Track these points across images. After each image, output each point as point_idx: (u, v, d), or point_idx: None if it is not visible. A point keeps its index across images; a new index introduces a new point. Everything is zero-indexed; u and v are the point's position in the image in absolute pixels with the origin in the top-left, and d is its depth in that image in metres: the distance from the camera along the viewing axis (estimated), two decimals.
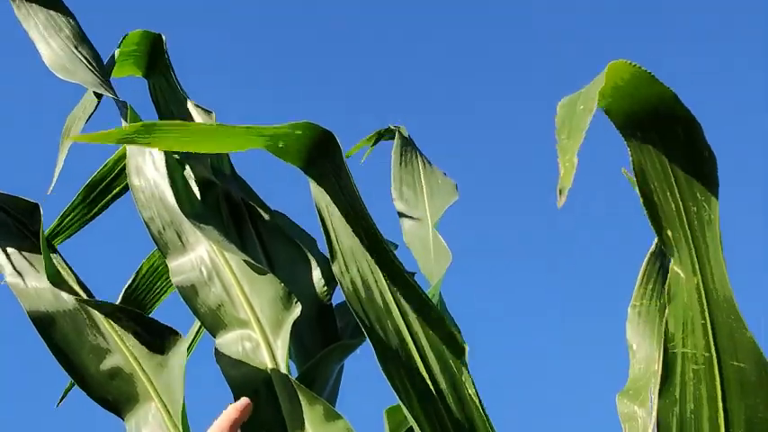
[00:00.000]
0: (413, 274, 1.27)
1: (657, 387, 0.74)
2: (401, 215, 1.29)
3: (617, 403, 1.07)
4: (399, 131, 1.39)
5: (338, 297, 1.22)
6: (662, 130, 0.73)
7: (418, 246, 1.24)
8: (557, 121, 0.71)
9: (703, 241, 0.74)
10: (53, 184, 1.17)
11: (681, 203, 0.74)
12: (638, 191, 0.73)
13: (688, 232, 0.74)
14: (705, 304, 0.74)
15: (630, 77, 0.70)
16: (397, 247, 1.34)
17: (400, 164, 1.35)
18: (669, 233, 0.73)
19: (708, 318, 0.73)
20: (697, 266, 0.74)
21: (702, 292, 0.74)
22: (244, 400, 0.94)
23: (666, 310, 0.74)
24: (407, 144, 1.38)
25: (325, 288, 1.19)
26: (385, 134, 1.44)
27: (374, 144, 1.44)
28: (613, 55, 0.72)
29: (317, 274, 1.19)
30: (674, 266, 0.74)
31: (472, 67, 3.88)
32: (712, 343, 0.74)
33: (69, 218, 1.22)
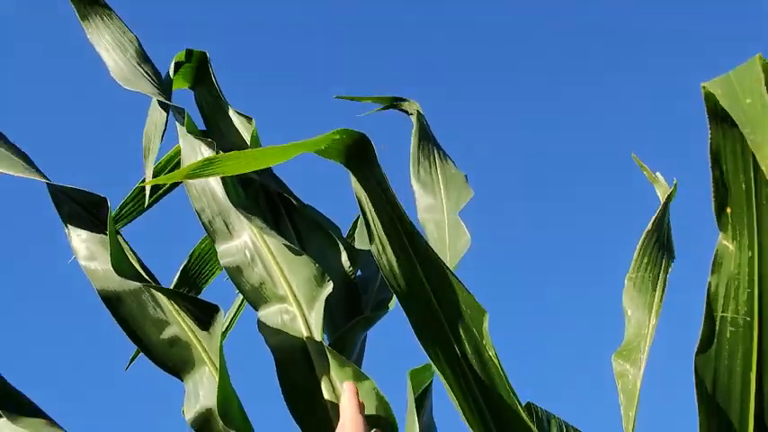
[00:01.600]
0: None
1: (698, 343, 0.71)
2: (417, 196, 1.24)
3: (612, 362, 1.04)
4: (419, 114, 1.32)
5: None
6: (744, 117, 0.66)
7: (432, 227, 1.20)
8: (736, 118, 0.64)
9: (763, 219, 0.70)
10: (148, 189, 1.17)
11: (753, 185, 0.69)
12: (710, 169, 0.68)
13: (754, 211, 0.70)
14: (756, 276, 0.70)
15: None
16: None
17: (419, 147, 1.29)
18: (729, 210, 0.70)
19: (756, 287, 0.70)
20: (755, 242, 0.70)
21: (756, 265, 0.70)
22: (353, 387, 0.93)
23: (710, 277, 0.71)
24: (425, 130, 1.32)
25: (351, 269, 1.18)
26: (399, 103, 1.33)
27: (386, 108, 1.33)
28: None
29: (343, 256, 1.16)
30: (722, 240, 0.70)
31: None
32: (756, 310, 0.70)
33: (128, 207, 1.21)
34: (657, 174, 1.01)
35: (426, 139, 1.30)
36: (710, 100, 0.66)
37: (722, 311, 0.70)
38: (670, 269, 0.98)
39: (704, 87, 0.66)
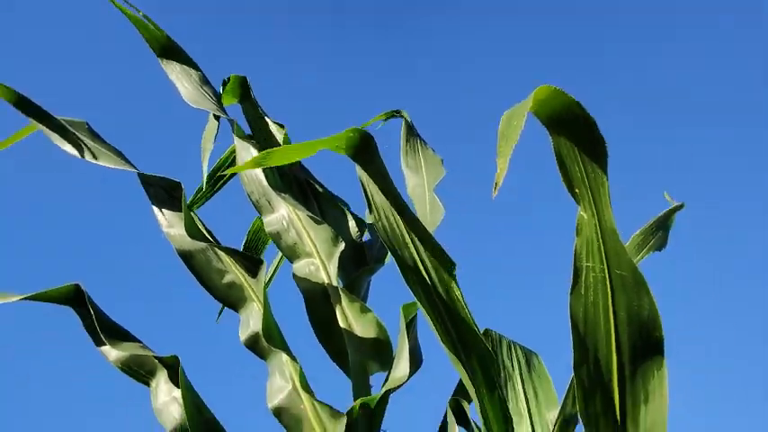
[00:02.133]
0: None
1: (570, 285, 0.79)
2: (406, 177, 1.48)
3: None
4: (404, 117, 1.59)
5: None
6: (571, 126, 0.77)
7: (417, 201, 1.44)
8: (498, 133, 0.76)
9: (598, 195, 0.78)
10: (205, 180, 1.39)
11: (584, 172, 0.78)
12: (557, 165, 0.78)
13: (589, 190, 0.78)
14: (600, 235, 0.78)
15: (548, 94, 0.74)
16: None
17: (407, 141, 1.54)
18: (577, 191, 0.78)
19: (602, 243, 0.78)
20: (594, 211, 0.78)
21: (598, 227, 0.78)
22: None
23: (576, 239, 0.79)
24: (410, 127, 1.57)
25: (358, 233, 1.42)
26: (395, 114, 1.61)
27: (386, 119, 1.60)
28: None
29: (352, 224, 1.41)
30: (580, 212, 0.79)
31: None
32: (605, 259, 0.78)
33: (201, 193, 1.44)
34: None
35: (411, 132, 1.55)
36: (538, 114, 0.75)
37: (586, 262, 0.78)
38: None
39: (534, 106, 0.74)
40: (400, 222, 0.91)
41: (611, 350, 0.78)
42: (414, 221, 0.91)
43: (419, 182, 1.48)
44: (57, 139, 1.37)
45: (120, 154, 1.39)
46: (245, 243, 1.51)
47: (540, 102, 0.75)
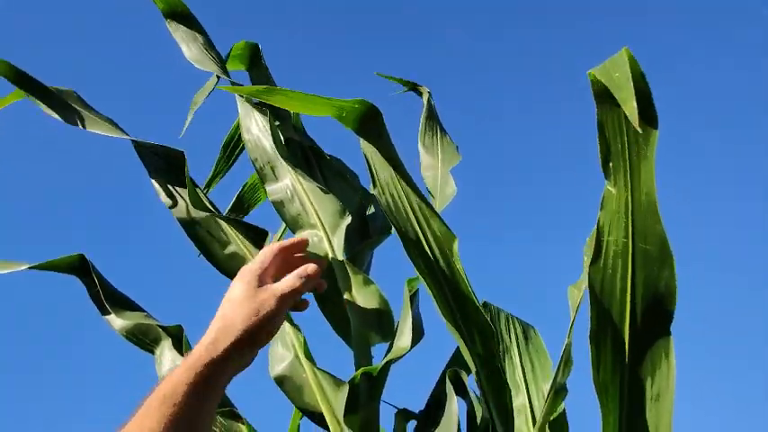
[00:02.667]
0: None
1: (590, 257, 0.82)
2: (421, 156, 1.52)
3: (568, 293, 1.19)
4: (428, 96, 1.60)
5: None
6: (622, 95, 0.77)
7: (430, 179, 1.48)
8: (610, 86, 0.76)
9: (638, 168, 0.79)
10: (184, 130, 1.40)
11: (627, 144, 0.79)
12: (598, 134, 0.79)
13: (628, 164, 0.79)
14: (630, 210, 0.80)
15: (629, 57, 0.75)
16: None
17: (426, 121, 1.57)
18: (611, 164, 0.80)
19: (631, 219, 0.80)
20: (630, 186, 0.80)
21: (630, 202, 0.80)
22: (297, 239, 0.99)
23: (599, 213, 0.81)
24: (432, 109, 1.60)
25: (363, 205, 1.42)
26: (416, 87, 1.62)
27: (407, 90, 1.62)
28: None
29: (358, 197, 1.41)
30: (607, 186, 0.81)
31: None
32: (631, 234, 0.81)
33: (217, 168, 1.46)
34: None
35: (432, 115, 1.57)
36: (594, 83, 0.77)
37: (609, 236, 0.81)
38: None
39: (590, 74, 0.76)
40: (403, 196, 0.93)
41: (624, 321, 0.80)
42: (415, 194, 0.93)
43: (433, 163, 1.51)
44: (45, 108, 1.37)
45: (111, 121, 1.40)
46: (238, 197, 1.52)
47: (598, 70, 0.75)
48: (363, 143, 0.96)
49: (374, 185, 0.96)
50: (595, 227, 0.81)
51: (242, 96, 1.36)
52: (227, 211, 1.54)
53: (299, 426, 1.38)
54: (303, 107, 1.10)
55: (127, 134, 1.37)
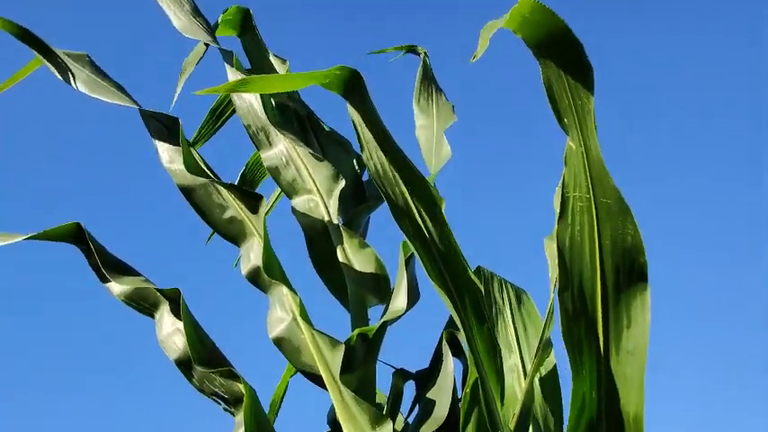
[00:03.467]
0: None
1: (557, 214, 0.83)
2: (416, 116, 1.54)
3: (544, 246, 1.24)
4: (423, 56, 1.62)
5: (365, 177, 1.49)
6: (558, 51, 0.78)
7: (424, 141, 1.50)
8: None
9: (585, 124, 0.80)
10: (174, 101, 1.43)
11: (571, 100, 0.80)
12: (546, 92, 0.80)
13: (576, 119, 0.80)
14: (586, 165, 0.81)
15: (531, 10, 0.74)
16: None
17: (421, 82, 1.57)
18: (565, 120, 0.81)
19: (588, 173, 0.81)
20: (581, 141, 0.80)
21: (585, 156, 0.80)
22: None
23: (564, 169, 0.82)
24: (427, 69, 1.61)
25: (359, 171, 1.45)
26: (413, 49, 1.64)
27: (405, 53, 1.64)
28: None
29: (353, 162, 1.44)
30: (568, 142, 0.81)
31: None
32: (591, 188, 0.81)
33: (204, 130, 1.48)
34: None
35: (427, 76, 1.59)
36: (530, 39, 0.76)
37: (573, 192, 0.81)
38: None
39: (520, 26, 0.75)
40: (391, 160, 0.94)
41: (595, 276, 0.81)
42: (403, 158, 0.94)
43: (428, 123, 1.53)
44: (56, 71, 1.40)
45: (120, 88, 1.42)
46: (243, 174, 1.55)
47: (524, 21, 0.75)
48: (350, 108, 0.98)
49: (361, 149, 0.98)
50: (560, 183, 0.83)
51: (230, 64, 1.38)
52: None
53: (287, 383, 1.43)
54: (284, 86, 1.12)
55: (135, 101, 1.39)
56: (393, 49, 1.62)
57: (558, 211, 0.82)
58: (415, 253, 0.96)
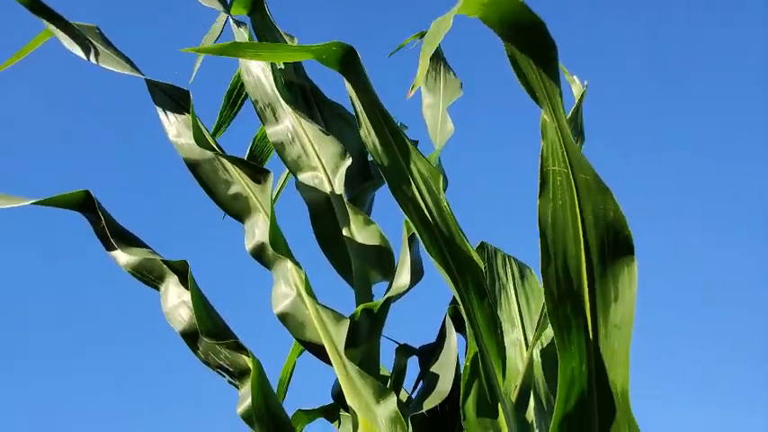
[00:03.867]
0: (415, 142, 1.56)
1: (538, 189, 0.82)
2: (423, 95, 1.55)
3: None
4: None
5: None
6: (521, 32, 0.79)
7: (430, 118, 1.52)
8: (426, 36, 0.80)
9: (554, 99, 0.80)
10: (193, 76, 1.44)
11: (539, 76, 0.80)
12: (513, 71, 0.81)
13: (546, 93, 0.80)
14: (561, 138, 0.81)
15: None
16: (407, 127, 1.61)
17: (430, 60, 1.55)
18: (537, 94, 0.81)
19: (564, 146, 0.81)
20: (553, 114, 0.80)
21: (559, 130, 0.81)
22: None
23: (542, 143, 0.81)
24: (438, 50, 1.61)
25: (364, 147, 1.44)
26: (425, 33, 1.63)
27: (420, 38, 1.61)
28: None
29: (358, 138, 1.44)
30: (543, 115, 0.81)
31: None
32: (568, 163, 0.81)
33: (222, 116, 1.49)
34: (574, 76, 1.24)
35: (437, 54, 1.59)
36: (492, 22, 0.76)
37: (552, 166, 0.81)
38: (581, 147, 1.22)
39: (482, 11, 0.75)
40: (389, 136, 0.96)
41: (579, 251, 0.81)
42: (400, 135, 0.94)
43: (434, 102, 1.54)
44: (68, 42, 1.41)
45: (128, 60, 1.43)
46: (251, 150, 1.56)
47: (486, 6, 0.75)
48: (348, 86, 0.99)
49: (359, 126, 0.99)
50: (539, 157, 0.82)
51: (243, 39, 1.38)
52: None
53: (294, 363, 1.46)
54: (275, 57, 1.12)
55: (142, 73, 1.40)
56: (411, 39, 1.61)
57: (538, 185, 0.82)
58: (414, 229, 0.97)
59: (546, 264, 0.80)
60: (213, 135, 1.45)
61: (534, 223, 0.82)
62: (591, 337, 0.80)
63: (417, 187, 0.98)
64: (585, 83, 1.23)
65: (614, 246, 0.80)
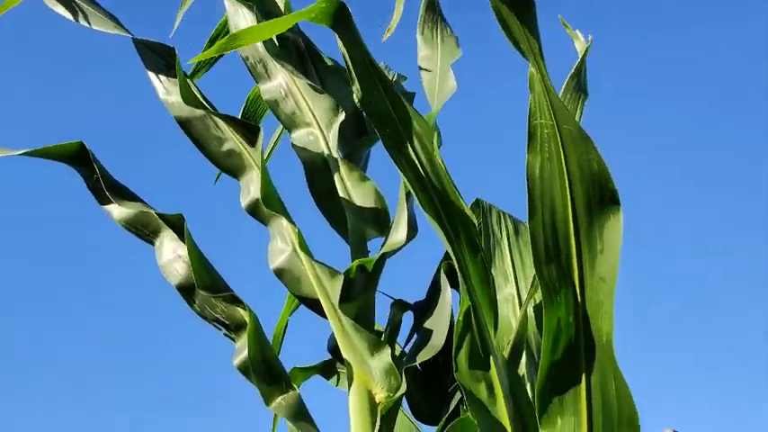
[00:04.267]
0: (412, 94, 1.55)
1: (527, 143, 0.85)
2: (419, 47, 1.51)
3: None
4: None
5: None
6: None
7: (426, 73, 1.47)
8: None
9: (538, 53, 0.83)
10: (174, 29, 1.43)
11: (524, 32, 0.83)
12: (498, 23, 0.84)
13: (530, 48, 0.83)
14: (545, 91, 0.82)
15: None
16: (406, 78, 1.59)
17: (426, 11, 1.55)
18: (522, 46, 0.84)
19: (547, 98, 0.83)
20: (537, 68, 0.83)
21: (543, 83, 0.83)
22: None
23: (530, 96, 0.83)
24: (434, 2, 1.58)
25: (359, 103, 1.44)
26: None
27: None
28: None
29: (354, 95, 1.44)
30: (530, 68, 0.83)
31: None
32: (552, 114, 0.83)
33: (201, 62, 1.49)
34: (577, 31, 1.24)
35: (433, 6, 1.56)
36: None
37: (539, 119, 0.83)
38: (585, 103, 1.23)
39: None
40: (382, 92, 0.96)
41: (566, 204, 0.83)
42: (393, 91, 0.95)
43: (431, 54, 1.51)
44: (51, 2, 1.40)
45: (114, 19, 1.42)
46: (244, 110, 1.56)
47: None
48: (339, 42, 1.00)
49: (352, 83, 1.00)
50: (527, 111, 0.83)
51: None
52: None
53: (287, 319, 1.48)
54: (273, 31, 1.12)
55: (130, 33, 1.39)
56: None
57: (527, 138, 0.83)
58: (408, 185, 0.99)
59: (533, 216, 0.82)
60: (191, 78, 1.44)
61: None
62: (578, 288, 0.82)
63: (411, 143, 0.99)
64: (590, 38, 1.22)
65: (600, 198, 0.82)
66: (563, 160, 0.83)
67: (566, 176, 0.83)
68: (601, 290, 0.82)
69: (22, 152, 1.27)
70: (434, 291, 1.30)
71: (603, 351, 0.82)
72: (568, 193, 0.83)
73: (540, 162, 0.83)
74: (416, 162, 0.99)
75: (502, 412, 0.93)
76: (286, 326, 1.52)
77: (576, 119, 1.20)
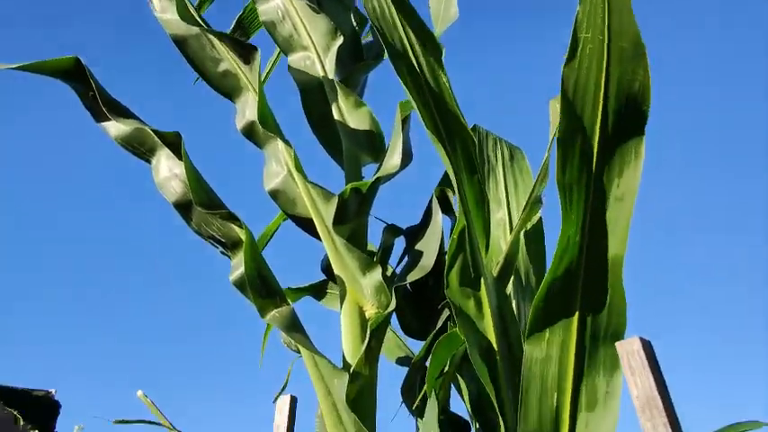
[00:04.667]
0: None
1: (566, 56, 0.84)
2: None
3: (549, 107, 1.27)
4: None
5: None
6: None
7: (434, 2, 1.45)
8: None
9: None
10: None
11: None
12: None
13: None
14: (607, 6, 0.82)
15: None
16: None
17: None
18: None
19: (606, 14, 0.82)
20: None
21: (606, 2, 0.83)
22: None
23: (578, 8, 0.83)
24: None
25: (357, 27, 1.45)
26: None
27: None
28: None
29: (352, 19, 1.43)
30: None
31: None
32: (607, 29, 0.82)
33: None
34: None
35: None
36: None
37: (585, 33, 0.83)
38: None
39: None
40: (390, 5, 0.97)
41: (596, 118, 0.83)
42: (404, 5, 0.96)
43: None
44: None
45: None
46: (238, 21, 1.54)
47: None
48: None
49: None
50: (573, 22, 0.83)
51: None
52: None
53: (279, 224, 1.50)
54: None
55: None
56: None
57: (567, 52, 0.83)
58: (411, 99, 0.99)
59: (563, 127, 0.83)
60: (198, 9, 1.43)
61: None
62: (592, 207, 0.84)
63: (416, 57, 0.99)
64: None
65: (630, 118, 0.83)
66: (603, 77, 0.83)
67: (602, 93, 0.83)
68: (616, 208, 0.83)
69: (16, 66, 1.26)
70: (426, 216, 1.33)
71: (611, 269, 0.84)
72: (600, 109, 0.84)
73: (576, 77, 0.84)
74: (420, 75, 0.99)
75: (489, 327, 0.97)
76: (275, 230, 1.53)
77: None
